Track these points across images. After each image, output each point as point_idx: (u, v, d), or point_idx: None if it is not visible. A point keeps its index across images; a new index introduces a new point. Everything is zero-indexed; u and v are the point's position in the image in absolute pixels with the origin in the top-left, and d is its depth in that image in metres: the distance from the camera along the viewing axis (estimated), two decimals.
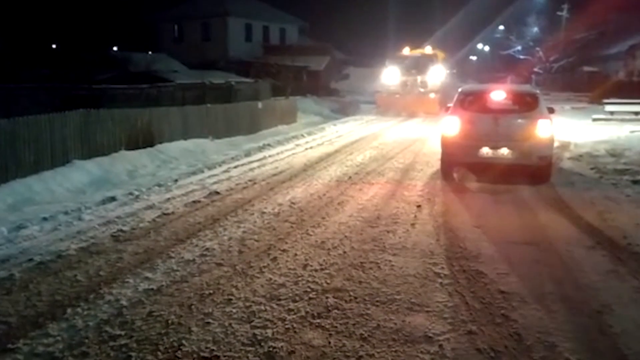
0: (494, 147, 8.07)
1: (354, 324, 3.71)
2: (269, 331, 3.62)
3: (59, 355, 3.34)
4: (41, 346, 3.44)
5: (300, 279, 4.51)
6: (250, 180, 8.63)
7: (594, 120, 18.48)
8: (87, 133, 9.43)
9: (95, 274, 4.65)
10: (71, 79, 17.00)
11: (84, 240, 5.57)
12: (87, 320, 3.78)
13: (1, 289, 4.32)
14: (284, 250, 5.22)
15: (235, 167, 10.01)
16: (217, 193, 7.70)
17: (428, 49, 24.49)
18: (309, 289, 4.29)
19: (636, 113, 18.93)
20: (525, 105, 8.46)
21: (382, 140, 14.11)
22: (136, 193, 7.68)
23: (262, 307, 3.97)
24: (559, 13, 41.69)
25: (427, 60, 23.48)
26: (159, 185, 8.26)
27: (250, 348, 3.41)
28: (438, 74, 23.31)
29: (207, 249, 5.24)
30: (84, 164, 8.95)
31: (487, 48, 62.95)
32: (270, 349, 3.39)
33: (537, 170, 8.20)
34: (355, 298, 4.13)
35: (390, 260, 4.92)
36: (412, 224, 6.09)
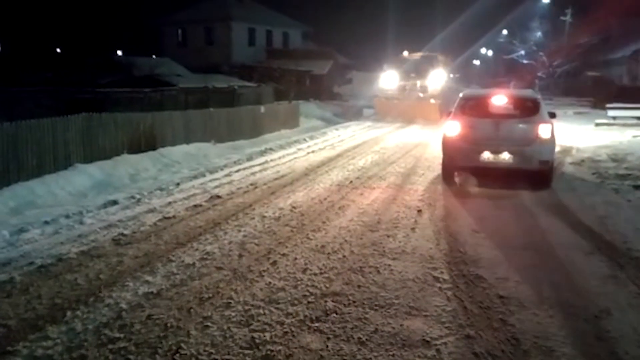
0: (495, 152, 8.09)
1: (352, 328, 3.73)
2: (267, 335, 3.63)
3: (57, 358, 3.35)
4: (40, 349, 3.45)
5: (299, 282, 4.52)
6: (251, 184, 8.65)
7: (597, 125, 18.46)
8: (90, 136, 9.47)
9: (96, 277, 4.67)
10: (75, 82, 17.10)
11: (85, 243, 5.60)
12: (87, 323, 3.79)
13: (1, 292, 4.34)
14: (283, 254, 5.23)
15: (237, 171, 10.05)
16: (219, 197, 7.73)
17: (428, 53, 23.82)
18: (308, 293, 4.31)
19: (639, 118, 18.91)
20: (526, 110, 8.48)
21: (383, 144, 14.13)
22: (138, 197, 7.71)
23: (261, 311, 3.98)
24: (562, 18, 41.71)
25: (428, 63, 22.60)
26: (161, 189, 8.29)
27: (249, 351, 3.43)
28: (439, 78, 22.41)
29: (207, 253, 5.26)
30: (86, 168, 8.99)
31: (490, 52, 63.06)
32: (268, 353, 3.41)
33: (538, 175, 8.21)
34: (354, 302, 4.14)
35: (389, 265, 4.93)
36: (412, 229, 6.10)
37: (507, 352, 3.41)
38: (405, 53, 23.46)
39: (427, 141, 14.54)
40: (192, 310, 4.00)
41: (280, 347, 3.47)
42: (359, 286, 4.45)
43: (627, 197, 7.53)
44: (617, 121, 18.96)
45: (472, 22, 43.76)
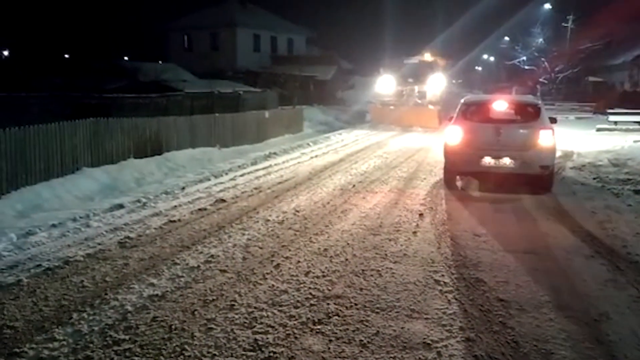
0: (496, 157, 8.15)
1: (353, 330, 3.78)
2: (270, 337, 3.69)
3: None
4: (47, 350, 3.51)
5: (302, 285, 4.58)
6: (255, 188, 8.73)
7: (598, 130, 18.48)
8: (96, 141, 9.57)
9: (102, 279, 4.74)
10: (82, 87, 17.23)
11: (91, 246, 5.68)
12: (92, 325, 3.86)
13: (9, 294, 4.42)
14: (287, 258, 5.30)
15: (241, 175, 10.13)
16: (223, 201, 7.80)
17: (427, 56, 22.51)
18: (310, 296, 4.37)
19: None
20: (527, 115, 8.55)
21: (386, 149, 14.20)
22: (143, 200, 7.79)
23: (264, 313, 4.04)
24: (564, 24, 41.75)
25: (426, 67, 21.34)
26: (166, 193, 8.38)
27: (252, 353, 3.48)
28: (438, 84, 21.17)
29: (211, 256, 5.33)
30: (92, 172, 9.09)
31: (492, 58, 63.10)
32: (271, 355, 3.46)
33: (538, 180, 8.25)
34: (356, 305, 4.20)
35: (391, 268, 4.99)
36: (414, 232, 6.16)
37: (507, 355, 3.46)
38: (403, 57, 22.39)
39: (429, 146, 14.61)
40: (196, 312, 4.07)
41: (282, 349, 3.52)
42: (360, 289, 4.50)
43: (628, 202, 7.57)
44: (618, 126, 18.99)
45: (474, 27, 43.92)
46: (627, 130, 18.14)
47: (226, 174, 10.29)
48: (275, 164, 11.44)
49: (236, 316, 4.00)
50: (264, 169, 10.86)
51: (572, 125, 20.40)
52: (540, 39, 43.55)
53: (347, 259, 5.25)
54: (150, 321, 3.92)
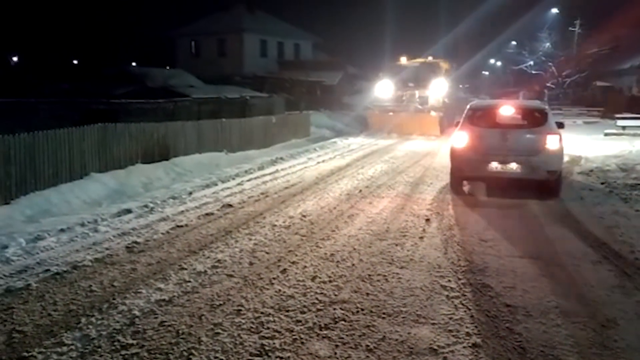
0: (503, 162, 8.14)
1: (360, 336, 3.78)
2: (277, 342, 3.70)
3: None
4: (55, 355, 3.54)
5: (308, 290, 4.59)
6: (262, 193, 8.76)
7: (606, 134, 18.40)
8: (105, 147, 9.65)
9: (110, 284, 4.78)
10: (90, 93, 17.38)
11: (99, 251, 5.72)
12: (101, 329, 3.89)
13: (18, 299, 4.45)
14: (293, 262, 5.31)
15: (248, 180, 10.17)
16: (230, 206, 7.84)
17: (429, 59, 21.26)
18: (317, 301, 4.38)
19: None
20: (534, 120, 8.54)
21: (392, 154, 14.21)
22: (151, 205, 7.84)
23: (271, 318, 4.06)
24: (571, 29, 41.61)
25: (428, 71, 20.03)
26: (174, 198, 8.43)
27: (258, 358, 3.50)
28: (441, 88, 19.84)
29: (218, 261, 5.36)
30: (100, 177, 9.16)
31: (499, 63, 62.99)
32: (278, 359, 3.48)
33: (546, 185, 8.23)
34: (362, 310, 4.20)
35: (397, 273, 4.99)
36: (421, 237, 6.16)
37: None
38: (404, 59, 20.85)
39: (435, 151, 14.61)
40: (203, 317, 4.09)
41: (289, 354, 3.53)
42: (367, 294, 4.51)
43: (636, 207, 7.52)
44: (626, 131, 18.89)
45: (480, 32, 43.89)
46: (635, 135, 18.05)
47: (233, 179, 10.33)
48: (282, 169, 11.48)
49: (243, 321, 4.01)
50: (270, 174, 10.90)
51: (580, 130, 20.33)
52: (548, 44, 43.38)
53: (353, 264, 5.26)
54: (157, 326, 3.94)
